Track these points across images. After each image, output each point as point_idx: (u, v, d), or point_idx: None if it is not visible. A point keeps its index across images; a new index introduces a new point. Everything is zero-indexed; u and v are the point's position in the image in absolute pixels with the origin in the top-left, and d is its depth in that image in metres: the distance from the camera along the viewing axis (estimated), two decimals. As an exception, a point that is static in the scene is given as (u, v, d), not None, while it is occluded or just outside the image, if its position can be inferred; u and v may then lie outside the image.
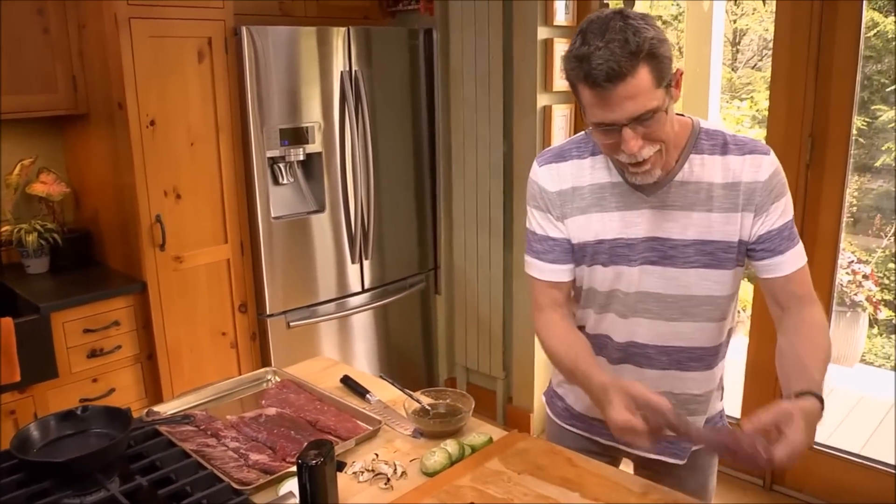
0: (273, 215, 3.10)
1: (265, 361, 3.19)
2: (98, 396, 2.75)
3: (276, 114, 3.03)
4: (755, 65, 6.95)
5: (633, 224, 1.47)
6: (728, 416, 3.18)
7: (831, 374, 1.62)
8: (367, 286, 3.48)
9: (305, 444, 1.50)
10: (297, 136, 3.11)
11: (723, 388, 1.69)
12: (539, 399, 3.70)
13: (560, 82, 3.35)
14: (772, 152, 1.45)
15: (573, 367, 1.46)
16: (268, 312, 3.14)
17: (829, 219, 2.79)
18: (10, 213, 2.98)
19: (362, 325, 3.50)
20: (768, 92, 2.84)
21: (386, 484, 1.41)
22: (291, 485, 1.34)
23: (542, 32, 3.26)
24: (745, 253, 1.47)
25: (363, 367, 3.50)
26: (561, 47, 3.31)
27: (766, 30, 6.67)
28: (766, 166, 1.43)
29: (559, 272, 1.55)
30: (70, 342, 2.67)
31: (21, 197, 2.98)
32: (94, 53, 2.80)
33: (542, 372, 3.68)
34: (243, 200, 3.07)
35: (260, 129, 3.00)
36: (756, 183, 1.42)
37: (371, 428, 1.60)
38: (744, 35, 7.09)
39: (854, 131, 2.73)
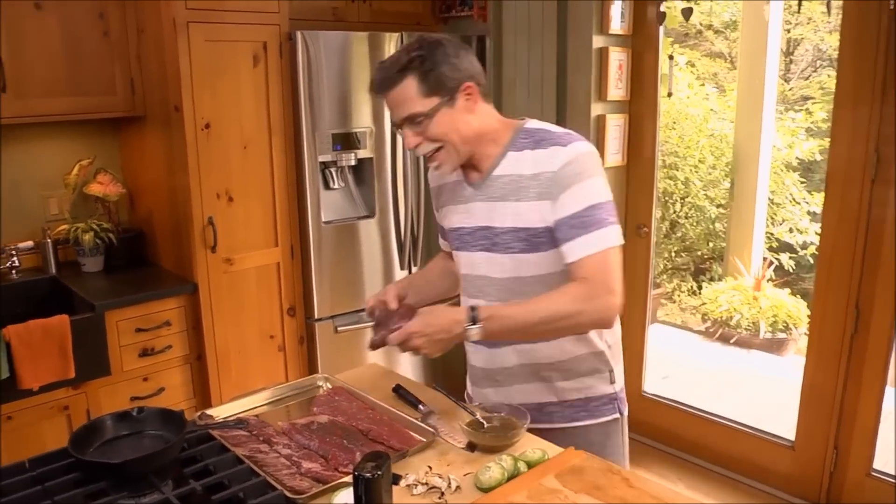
0: (323, 220, 3.11)
1: (312, 365, 3.19)
2: (148, 395, 2.78)
3: (328, 118, 3.04)
4: (809, 76, 6.80)
5: (471, 215, 1.70)
6: (782, 438, 3.09)
7: None
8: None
9: (358, 453, 1.50)
10: (348, 140, 3.11)
11: (611, 371, 1.78)
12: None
13: (615, 91, 3.30)
14: (575, 143, 1.59)
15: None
16: (316, 316, 3.15)
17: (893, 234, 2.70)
18: (67, 213, 3.04)
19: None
20: (826, 104, 2.76)
21: (440, 498, 1.39)
22: (345, 495, 1.32)
23: (598, 41, 3.22)
24: (553, 239, 1.61)
25: (408, 373, 3.48)
26: (616, 56, 3.27)
27: (822, 40, 6.52)
28: (561, 157, 1.57)
29: (443, 244, 1.95)
30: (123, 341, 2.71)
31: (78, 196, 3.04)
32: (152, 56, 2.83)
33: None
34: (294, 204, 3.08)
35: (312, 134, 3.01)
36: (550, 172, 1.58)
37: (424, 439, 1.58)
38: (798, 45, 6.94)
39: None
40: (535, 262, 1.63)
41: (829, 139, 2.85)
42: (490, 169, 1.66)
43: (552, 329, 1.60)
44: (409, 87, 1.55)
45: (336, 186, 3.18)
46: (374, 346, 1.61)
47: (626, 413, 1.83)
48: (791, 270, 5.61)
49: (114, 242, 3.01)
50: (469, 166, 1.68)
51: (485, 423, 1.63)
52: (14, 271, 2.91)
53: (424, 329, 1.52)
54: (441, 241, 1.96)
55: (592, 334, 1.72)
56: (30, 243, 3.03)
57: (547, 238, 1.60)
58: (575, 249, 1.55)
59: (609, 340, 1.77)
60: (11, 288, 2.85)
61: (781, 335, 5.10)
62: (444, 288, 1.95)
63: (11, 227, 2.99)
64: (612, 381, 1.79)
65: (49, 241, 2.98)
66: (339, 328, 3.20)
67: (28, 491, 1.36)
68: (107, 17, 2.82)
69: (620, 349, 1.83)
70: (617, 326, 1.79)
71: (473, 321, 1.50)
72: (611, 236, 1.55)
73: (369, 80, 1.63)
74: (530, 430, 1.61)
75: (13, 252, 2.92)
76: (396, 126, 1.65)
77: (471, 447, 1.58)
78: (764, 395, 4.39)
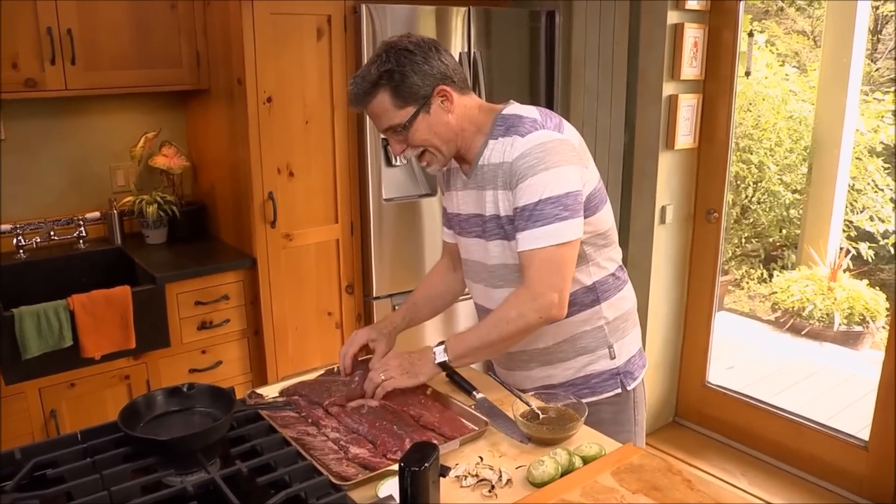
0: (384, 197, 3.07)
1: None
2: (206, 368, 2.81)
3: (391, 94, 2.99)
4: (900, 56, 6.44)
5: (466, 202, 1.74)
6: (856, 438, 2.97)
7: None
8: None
9: (407, 439, 1.46)
10: (411, 117, 3.06)
11: (610, 347, 1.77)
12: (647, 401, 3.55)
13: (689, 70, 3.17)
14: (535, 134, 1.57)
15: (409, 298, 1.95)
16: (374, 294, 3.13)
17: None
18: (133, 185, 3.08)
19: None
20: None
21: (490, 492, 1.34)
22: (391, 485, 1.28)
23: (672, 17, 3.08)
24: None
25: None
26: (692, 33, 3.13)
27: (917, 17, 6.16)
28: (518, 147, 1.58)
29: (446, 234, 1.93)
30: (182, 313, 2.73)
31: (144, 169, 3.07)
32: (217, 30, 2.83)
33: (652, 371, 3.53)
34: (355, 181, 3.05)
35: (374, 110, 2.96)
36: (507, 164, 1.60)
37: (477, 429, 1.53)
38: (887, 23, 6.58)
39: None
40: (511, 250, 1.66)
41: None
42: (476, 158, 1.68)
43: (509, 339, 1.61)
44: (383, 101, 1.58)
45: (398, 164, 3.13)
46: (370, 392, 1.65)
47: (632, 387, 1.81)
48: (870, 260, 5.35)
49: (177, 215, 3.04)
50: (459, 158, 1.72)
51: (540, 413, 1.57)
52: (81, 241, 2.96)
53: (398, 357, 1.65)
54: (445, 231, 1.95)
55: (589, 311, 1.73)
56: (96, 214, 3.09)
57: (511, 226, 1.64)
58: (521, 242, 1.59)
59: (608, 315, 1.76)
60: (78, 257, 2.91)
61: (857, 328, 4.88)
62: (443, 304, 1.99)
63: (79, 198, 3.05)
64: (613, 357, 1.78)
65: (115, 212, 3.03)
66: (397, 307, 3.17)
67: (78, 463, 1.36)
68: (174, -11, 2.82)
69: (629, 322, 1.82)
70: (622, 300, 1.79)
71: (440, 344, 1.62)
72: (558, 232, 1.55)
73: (346, 94, 1.67)
74: (568, 404, 1.60)
75: (81, 222, 2.97)
76: (381, 133, 1.68)
77: (525, 439, 1.52)
78: (836, 390, 4.21)
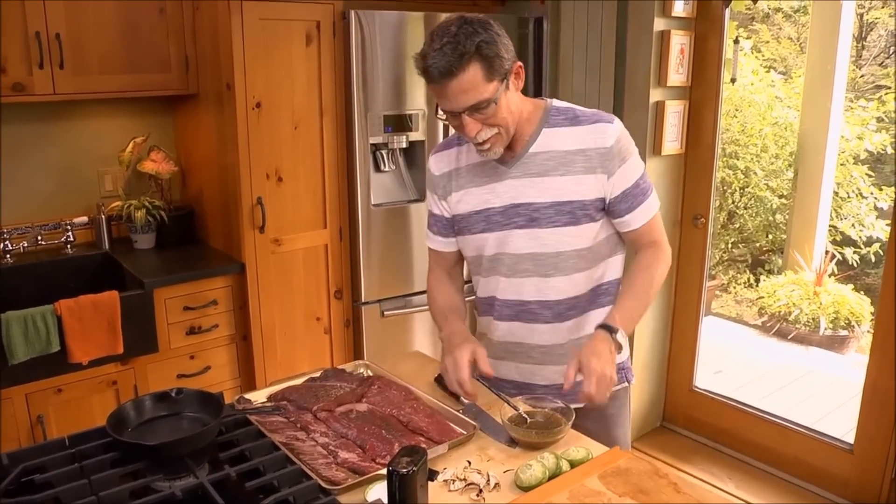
0: (373, 202, 3.08)
1: (357, 349, 3.18)
2: (194, 373, 2.80)
3: (380, 100, 3.00)
4: (882, 62, 6.50)
5: (501, 194, 1.70)
6: (841, 441, 2.98)
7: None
8: (465, 279, 3.41)
9: (396, 444, 1.46)
10: (400, 123, 3.07)
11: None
12: (634, 404, 3.57)
13: (675, 76, 3.19)
14: (616, 121, 1.66)
15: (440, 314, 1.83)
16: (363, 300, 3.13)
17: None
18: (121, 189, 3.07)
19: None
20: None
21: (478, 495, 1.34)
22: (380, 489, 1.29)
23: (659, 24, 3.11)
24: (604, 209, 1.69)
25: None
26: (678, 39, 3.15)
27: (900, 24, 6.23)
28: (611, 133, 1.64)
29: (442, 243, 1.87)
30: (171, 318, 2.73)
31: (132, 173, 3.07)
32: (207, 34, 2.83)
33: (640, 376, 3.55)
34: (344, 186, 3.05)
35: (364, 115, 2.98)
36: (602, 149, 1.63)
37: (465, 433, 1.53)
38: (871, 30, 6.65)
39: None
40: (573, 236, 1.68)
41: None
42: (525, 146, 1.68)
43: (654, 297, 1.75)
44: (475, 74, 1.51)
45: (386, 169, 3.14)
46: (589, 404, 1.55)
47: (633, 382, 1.91)
48: (855, 265, 5.40)
49: (165, 220, 3.04)
50: (478, 145, 1.67)
51: (528, 418, 1.58)
52: (69, 246, 2.95)
53: (605, 367, 1.53)
54: (438, 240, 1.87)
55: (611, 305, 1.76)
56: (84, 219, 3.08)
57: (593, 209, 1.67)
58: (638, 217, 1.70)
59: None
60: (65, 262, 2.90)
61: (843, 332, 4.92)
62: (464, 314, 1.90)
63: (67, 203, 3.04)
64: (620, 350, 1.76)
65: (103, 216, 3.02)
66: (385, 312, 3.18)
67: (66, 468, 1.36)
68: (162, -6, 2.82)
69: None
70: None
71: (611, 333, 1.60)
72: (656, 199, 1.74)
73: (422, 67, 1.54)
74: (555, 409, 1.61)
75: (68, 227, 2.97)
76: (454, 114, 1.58)
77: (512, 443, 1.53)
78: (822, 394, 4.25)
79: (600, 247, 1.73)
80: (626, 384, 1.87)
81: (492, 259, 1.77)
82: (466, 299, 1.90)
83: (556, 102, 1.72)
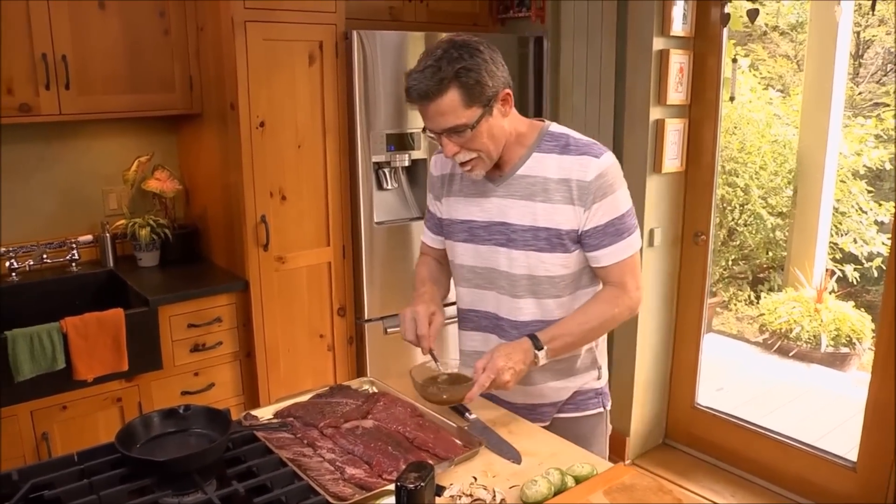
0: (376, 220, 3.10)
1: (361, 366, 3.19)
2: (198, 390, 2.81)
3: (382, 119, 3.03)
4: (880, 79, 6.55)
5: (486, 209, 1.74)
6: (844, 459, 2.97)
7: None
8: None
9: (402, 460, 1.47)
10: (402, 141, 3.10)
11: (599, 368, 1.88)
12: (637, 422, 3.57)
13: (675, 95, 3.22)
14: (606, 156, 1.65)
15: (419, 280, 1.91)
16: (366, 317, 3.14)
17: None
18: (125, 208, 3.09)
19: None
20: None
21: (484, 510, 1.35)
22: (388, 504, 1.30)
23: (658, 43, 3.14)
24: (578, 241, 1.69)
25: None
26: (677, 58, 3.19)
27: (896, 42, 6.27)
28: (594, 168, 1.63)
29: (434, 240, 1.93)
30: (175, 336, 2.74)
31: (136, 192, 3.09)
32: (210, 55, 2.86)
33: (642, 393, 3.55)
34: (347, 204, 3.08)
35: (366, 134, 3.00)
36: (583, 182, 1.63)
37: (470, 448, 1.54)
38: (868, 47, 6.70)
39: None
40: (546, 262, 1.70)
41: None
42: (514, 168, 1.70)
43: (599, 333, 1.76)
44: (453, 98, 1.54)
45: (389, 187, 3.17)
46: (472, 398, 1.60)
47: (608, 407, 1.93)
48: (855, 282, 5.41)
49: (169, 238, 3.06)
50: (460, 165, 1.70)
51: (440, 376, 1.70)
52: (73, 264, 2.97)
53: (508, 363, 1.58)
54: (429, 235, 1.95)
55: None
56: (89, 237, 3.10)
57: (568, 240, 1.68)
58: (608, 256, 1.68)
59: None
60: (70, 280, 2.91)
61: (844, 350, 4.92)
62: (444, 293, 1.95)
63: (72, 221, 3.06)
64: (599, 378, 1.88)
65: (108, 235, 3.04)
66: (388, 329, 3.19)
67: (75, 484, 1.37)
68: (167, 15, 2.85)
69: (605, 345, 1.91)
70: None
71: (537, 347, 1.63)
72: (635, 241, 1.71)
73: (405, 87, 1.58)
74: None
75: (73, 245, 2.98)
76: (433, 134, 1.63)
77: (518, 459, 1.55)
78: (824, 412, 4.24)
79: (576, 276, 1.74)
80: (602, 410, 1.90)
81: (470, 270, 1.80)
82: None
83: (552, 127, 1.73)
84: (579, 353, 1.81)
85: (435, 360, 1.71)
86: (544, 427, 1.78)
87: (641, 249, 3.30)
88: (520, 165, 1.69)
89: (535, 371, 1.74)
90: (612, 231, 1.66)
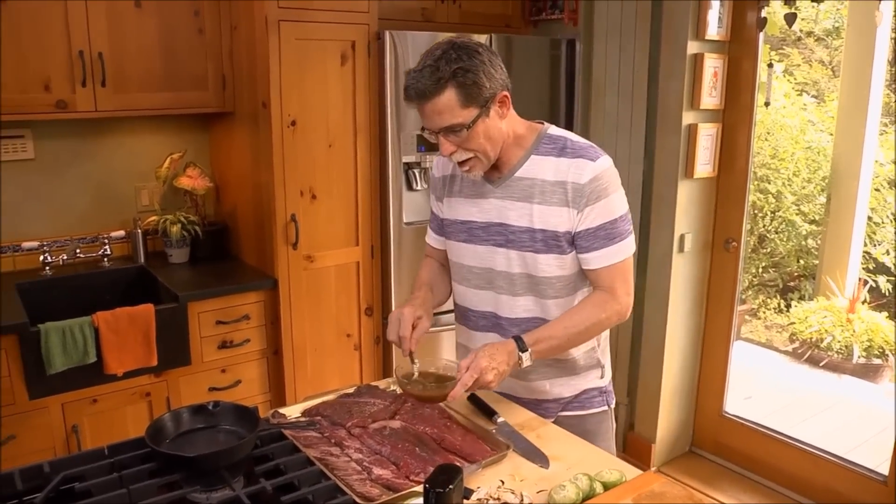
0: (405, 221, 3.10)
1: (387, 366, 3.19)
2: (225, 387, 2.83)
3: (413, 119, 3.03)
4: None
5: (485, 210, 1.76)
6: (875, 472, 2.92)
7: None
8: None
9: (430, 461, 1.46)
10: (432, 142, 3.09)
11: (602, 367, 1.89)
12: (663, 429, 3.54)
13: (708, 99, 3.19)
14: (601, 159, 1.67)
15: (417, 283, 1.92)
16: (392, 317, 3.14)
17: None
18: (157, 204, 3.12)
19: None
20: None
21: (511, 515, 1.34)
22: (415, 506, 1.29)
23: (692, 47, 3.11)
24: (572, 242, 1.70)
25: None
26: (711, 63, 3.15)
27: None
28: (588, 171, 1.65)
29: (437, 241, 1.94)
30: (204, 332, 2.76)
31: (168, 189, 3.12)
32: (243, 54, 2.88)
33: (669, 400, 3.52)
34: (376, 204, 3.08)
35: (397, 134, 3.01)
36: (577, 184, 1.65)
37: (498, 452, 1.53)
38: (907, 53, 6.57)
39: None
40: (543, 263, 1.71)
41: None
42: (512, 170, 1.72)
43: (586, 337, 1.74)
44: (450, 98, 1.56)
45: (419, 188, 3.16)
46: (454, 396, 1.59)
47: (613, 405, 1.94)
48: (888, 293, 5.31)
49: (199, 235, 3.08)
50: (458, 165, 1.72)
51: (416, 373, 1.69)
52: (105, 259, 3.00)
53: (492, 363, 1.58)
54: (433, 236, 1.96)
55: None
56: (121, 233, 3.13)
57: (564, 242, 1.69)
58: (599, 259, 1.69)
59: (599, 337, 1.85)
60: (102, 275, 2.95)
61: (876, 361, 4.83)
62: (443, 298, 1.95)
63: (105, 217, 3.10)
64: (602, 377, 1.90)
65: (139, 231, 3.07)
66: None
67: (105, 478, 1.38)
68: (202, 14, 2.88)
69: (608, 344, 1.93)
70: None
71: (522, 349, 1.63)
72: (628, 246, 1.71)
73: (404, 86, 1.61)
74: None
75: (105, 240, 3.02)
76: (431, 133, 1.65)
77: (546, 463, 1.53)
78: (855, 423, 4.17)
79: (574, 278, 1.75)
80: (606, 408, 1.92)
81: (469, 270, 1.83)
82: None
83: (551, 130, 1.74)
84: (580, 353, 1.82)
85: (413, 361, 1.71)
86: (555, 422, 1.80)
87: (671, 255, 3.30)
88: (518, 167, 1.71)
89: (537, 368, 1.77)
90: (604, 234, 1.67)
